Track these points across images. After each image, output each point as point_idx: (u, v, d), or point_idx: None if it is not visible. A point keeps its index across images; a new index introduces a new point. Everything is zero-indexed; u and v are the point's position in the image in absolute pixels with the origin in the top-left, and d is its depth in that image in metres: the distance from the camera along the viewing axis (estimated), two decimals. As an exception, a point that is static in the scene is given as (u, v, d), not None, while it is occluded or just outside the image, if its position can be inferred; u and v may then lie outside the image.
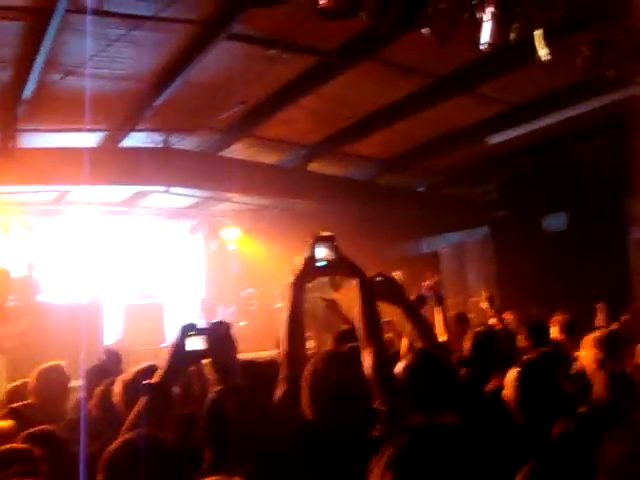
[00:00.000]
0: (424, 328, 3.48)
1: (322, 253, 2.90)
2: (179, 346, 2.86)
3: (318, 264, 2.91)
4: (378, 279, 3.34)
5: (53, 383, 4.72)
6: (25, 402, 4.65)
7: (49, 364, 4.95)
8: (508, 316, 7.50)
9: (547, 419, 2.91)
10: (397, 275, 10.41)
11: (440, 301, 5.11)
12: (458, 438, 1.56)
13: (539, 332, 5.39)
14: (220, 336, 2.94)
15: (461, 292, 12.96)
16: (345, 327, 5.15)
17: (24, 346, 9.55)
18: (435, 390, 3.07)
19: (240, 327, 14.19)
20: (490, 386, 3.89)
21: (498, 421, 3.16)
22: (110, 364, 5.43)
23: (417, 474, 1.48)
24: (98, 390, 3.64)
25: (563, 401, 3.12)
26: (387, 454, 1.53)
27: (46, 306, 11.93)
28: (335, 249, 2.92)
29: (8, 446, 2.31)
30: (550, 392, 3.12)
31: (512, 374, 3.21)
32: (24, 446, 2.37)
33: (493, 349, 4.42)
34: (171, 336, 3.98)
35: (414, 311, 3.48)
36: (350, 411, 2.44)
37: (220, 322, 3.13)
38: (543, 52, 5.13)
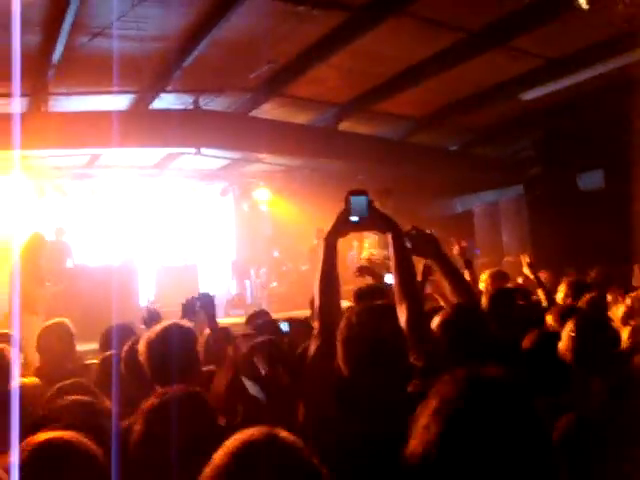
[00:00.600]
0: (462, 283, 3.42)
1: (356, 208, 2.83)
2: None
3: (352, 218, 2.84)
4: (413, 233, 3.27)
5: (55, 340, 4.71)
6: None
7: (52, 321, 4.97)
8: (543, 275, 7.42)
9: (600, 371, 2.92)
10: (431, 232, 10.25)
11: (469, 265, 5.22)
12: (505, 388, 1.53)
13: (580, 290, 5.35)
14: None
15: (495, 251, 12.86)
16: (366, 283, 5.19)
17: (59, 308, 9.68)
18: (472, 344, 3.03)
19: (272, 288, 14.26)
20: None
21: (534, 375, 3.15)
22: (150, 322, 5.46)
23: (466, 423, 1.45)
24: (124, 349, 3.66)
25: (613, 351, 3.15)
26: (432, 404, 1.50)
27: (80, 269, 12.10)
28: (369, 204, 2.85)
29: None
30: (605, 344, 3.18)
31: (569, 326, 3.24)
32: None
33: (509, 307, 4.42)
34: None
35: (450, 265, 3.41)
36: (385, 365, 2.39)
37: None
38: (583, 0, 4.96)
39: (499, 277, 6.51)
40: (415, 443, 1.50)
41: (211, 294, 4.21)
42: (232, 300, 14.61)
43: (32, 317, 8.76)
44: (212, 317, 4.00)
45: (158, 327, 3.27)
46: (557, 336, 3.36)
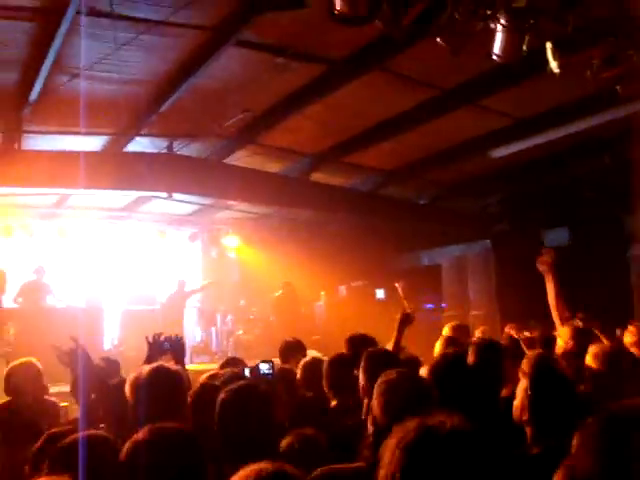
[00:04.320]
0: None
1: None
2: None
3: None
4: None
5: (24, 379, 4.66)
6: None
7: (20, 360, 4.90)
8: (508, 330, 7.50)
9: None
10: (398, 285, 10.48)
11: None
12: (457, 436, 1.57)
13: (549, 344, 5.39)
14: None
15: (462, 305, 12.97)
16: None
17: (22, 350, 9.49)
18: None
19: (238, 335, 14.17)
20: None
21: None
22: (108, 370, 5.39)
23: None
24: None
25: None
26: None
27: (46, 310, 11.93)
28: None
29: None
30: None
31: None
32: None
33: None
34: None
35: None
36: None
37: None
38: (554, 65, 5.14)
39: (459, 330, 6.56)
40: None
41: (181, 338, 4.19)
42: (197, 346, 14.46)
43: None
44: (181, 361, 3.98)
45: (146, 369, 3.23)
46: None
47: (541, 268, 5.72)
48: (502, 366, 4.32)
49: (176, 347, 4.21)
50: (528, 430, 3.05)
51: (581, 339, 5.04)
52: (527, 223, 12.15)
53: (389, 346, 5.07)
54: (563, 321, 5.53)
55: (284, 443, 3.05)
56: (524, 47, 5.07)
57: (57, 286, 13.03)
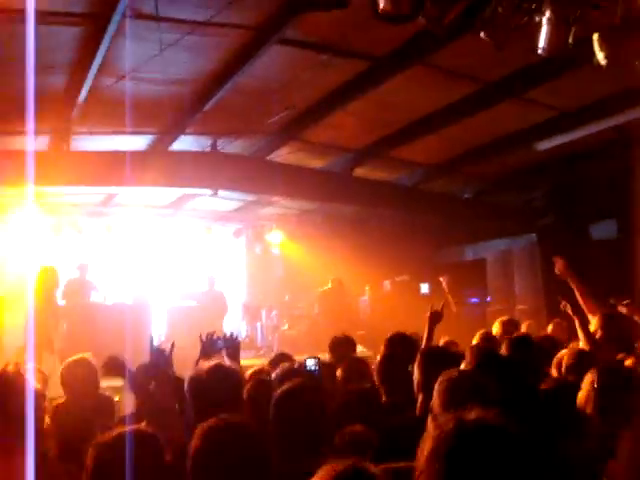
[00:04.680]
0: None
1: None
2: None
3: None
4: None
5: (79, 376, 4.74)
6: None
7: (75, 357, 5.00)
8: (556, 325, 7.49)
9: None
10: (442, 280, 10.52)
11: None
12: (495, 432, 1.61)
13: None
14: None
15: (507, 299, 12.85)
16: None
17: (74, 346, 9.72)
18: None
19: (283, 331, 14.25)
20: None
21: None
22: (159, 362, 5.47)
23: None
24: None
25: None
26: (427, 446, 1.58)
27: (94, 306, 12.16)
28: None
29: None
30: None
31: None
32: None
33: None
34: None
35: None
36: None
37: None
38: (601, 56, 5.06)
39: (509, 325, 6.58)
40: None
41: (236, 337, 4.25)
42: (242, 342, 14.56)
43: (48, 355, 8.80)
44: (236, 360, 4.03)
45: (205, 366, 3.29)
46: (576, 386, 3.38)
47: (561, 276, 6.17)
48: (536, 359, 4.36)
49: (231, 345, 4.27)
50: (593, 421, 3.10)
51: (609, 327, 5.33)
52: (573, 216, 11.98)
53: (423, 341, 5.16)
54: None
55: (336, 440, 3.09)
56: (570, 39, 5.00)
57: (103, 283, 13.28)
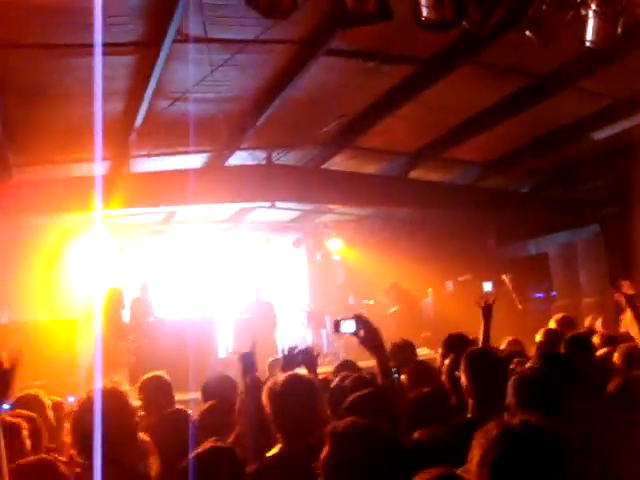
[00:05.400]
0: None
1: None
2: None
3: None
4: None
5: (155, 392, 4.83)
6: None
7: (150, 374, 5.13)
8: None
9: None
10: (505, 278, 10.42)
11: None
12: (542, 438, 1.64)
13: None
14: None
15: (573, 293, 12.62)
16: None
17: (142, 360, 10.00)
18: None
19: (348, 337, 14.27)
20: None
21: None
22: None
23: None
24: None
25: None
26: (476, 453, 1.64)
27: (160, 323, 12.43)
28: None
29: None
30: None
31: None
32: None
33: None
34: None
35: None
36: None
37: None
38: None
39: (565, 323, 6.49)
40: None
41: (313, 349, 4.35)
42: (308, 350, 14.66)
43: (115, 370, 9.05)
44: (314, 371, 4.11)
45: (281, 378, 3.37)
46: None
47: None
48: (592, 358, 4.34)
49: (309, 358, 4.34)
50: None
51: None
52: (637, 204, 11.70)
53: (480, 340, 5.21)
54: None
55: (412, 440, 3.12)
56: (619, 29, 4.95)
57: (166, 299, 13.57)
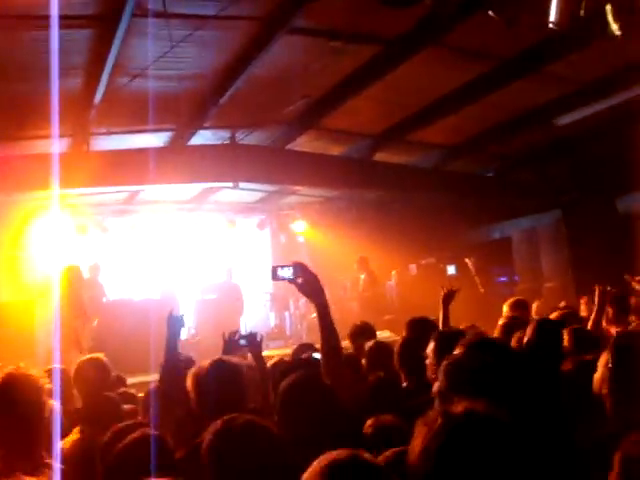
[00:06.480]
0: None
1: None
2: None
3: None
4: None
5: (89, 376, 4.78)
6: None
7: (86, 357, 5.03)
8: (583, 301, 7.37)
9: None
10: (469, 261, 10.50)
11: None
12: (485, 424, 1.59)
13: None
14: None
15: (535, 277, 12.74)
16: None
17: (101, 344, 9.81)
18: None
19: (312, 319, 14.26)
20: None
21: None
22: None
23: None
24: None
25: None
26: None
27: (121, 303, 12.27)
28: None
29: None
30: None
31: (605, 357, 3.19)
32: None
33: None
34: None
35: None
36: None
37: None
38: (615, 27, 4.98)
39: (518, 306, 6.50)
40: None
41: (256, 333, 4.27)
42: (271, 332, 14.65)
43: (76, 353, 8.88)
44: (259, 356, 4.05)
45: (206, 363, 3.32)
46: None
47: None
48: (559, 342, 4.32)
49: (253, 342, 4.29)
50: (607, 403, 3.04)
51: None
52: (598, 190, 11.79)
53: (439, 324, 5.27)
54: None
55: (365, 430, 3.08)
56: (581, 12, 4.92)
57: (128, 279, 13.39)
